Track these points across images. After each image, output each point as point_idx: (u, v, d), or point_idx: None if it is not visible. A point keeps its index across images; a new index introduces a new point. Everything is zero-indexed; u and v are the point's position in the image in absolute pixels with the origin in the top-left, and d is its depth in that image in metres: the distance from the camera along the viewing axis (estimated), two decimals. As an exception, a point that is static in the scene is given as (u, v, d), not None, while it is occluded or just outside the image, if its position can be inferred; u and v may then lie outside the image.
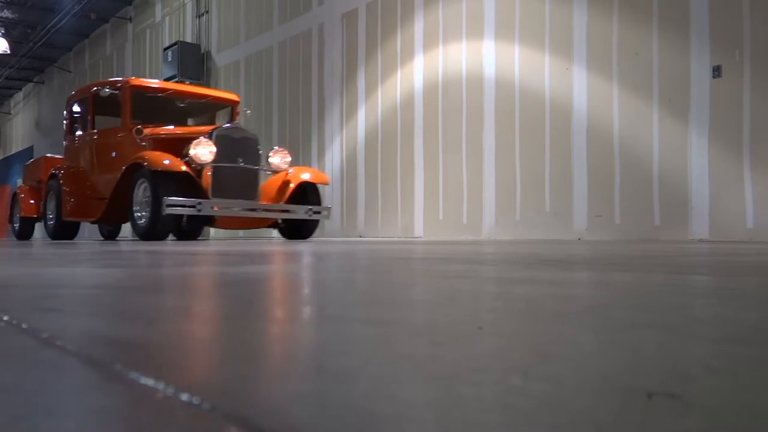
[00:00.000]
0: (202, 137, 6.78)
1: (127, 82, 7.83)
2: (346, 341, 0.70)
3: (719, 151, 5.95)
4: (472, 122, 8.17)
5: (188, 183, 6.65)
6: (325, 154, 10.44)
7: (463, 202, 8.18)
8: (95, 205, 7.93)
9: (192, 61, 13.21)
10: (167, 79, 12.35)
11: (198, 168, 6.73)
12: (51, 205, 8.54)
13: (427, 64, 8.79)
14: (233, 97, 8.75)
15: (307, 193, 7.39)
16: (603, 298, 1.13)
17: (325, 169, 10.13)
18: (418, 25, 8.93)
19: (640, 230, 6.45)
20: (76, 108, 8.67)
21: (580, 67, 7.06)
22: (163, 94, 8.06)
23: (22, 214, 9.56)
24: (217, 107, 8.72)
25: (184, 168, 6.58)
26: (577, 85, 7.10)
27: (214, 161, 6.76)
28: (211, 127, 7.13)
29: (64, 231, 8.42)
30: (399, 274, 1.74)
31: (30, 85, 23.26)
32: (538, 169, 7.42)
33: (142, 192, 6.73)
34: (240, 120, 8.44)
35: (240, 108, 8.71)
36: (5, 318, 0.84)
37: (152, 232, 6.55)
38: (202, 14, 13.63)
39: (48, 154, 10.12)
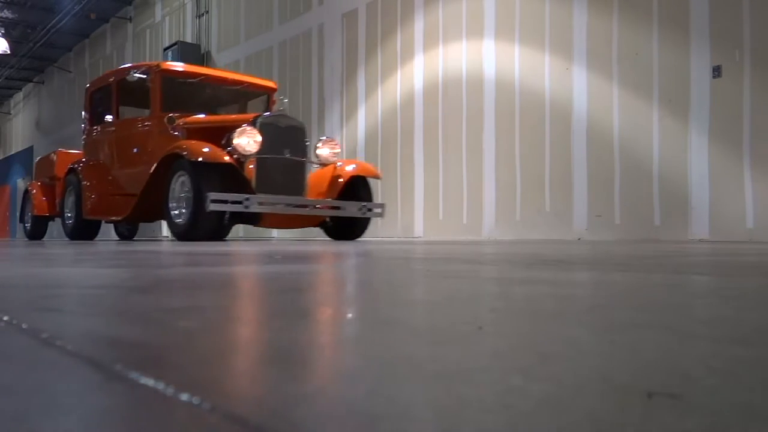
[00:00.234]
0: (245, 125, 6.08)
1: (157, 66, 7.13)
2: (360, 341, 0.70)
3: (719, 151, 5.95)
4: (472, 122, 8.17)
5: (232, 176, 5.96)
6: (325, 154, 10.44)
7: (463, 202, 8.18)
8: (120, 202, 7.26)
9: (192, 61, 13.18)
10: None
11: (241, 160, 6.04)
12: (69, 203, 7.93)
13: (427, 64, 8.79)
14: (270, 84, 8.03)
15: (358, 189, 6.66)
16: (603, 298, 1.13)
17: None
18: (418, 25, 8.93)
19: (640, 230, 6.45)
20: (97, 97, 8.02)
21: (580, 67, 7.06)
22: (195, 80, 7.29)
23: (35, 212, 9.09)
24: (251, 95, 7.90)
25: (227, 158, 5.88)
26: (577, 85, 7.10)
27: (258, 152, 6.06)
28: (253, 115, 6.42)
29: (84, 230, 7.79)
30: (406, 275, 1.73)
31: (30, 85, 23.26)
32: (538, 169, 7.42)
33: (179, 186, 6.06)
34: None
35: (276, 96, 7.88)
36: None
37: (193, 230, 5.86)
38: (202, 14, 13.63)
39: (61, 149, 9.57)
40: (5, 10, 16.67)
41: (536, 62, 7.49)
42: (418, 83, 8.89)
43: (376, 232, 9.47)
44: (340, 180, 6.56)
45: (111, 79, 7.61)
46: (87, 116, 8.14)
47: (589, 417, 0.40)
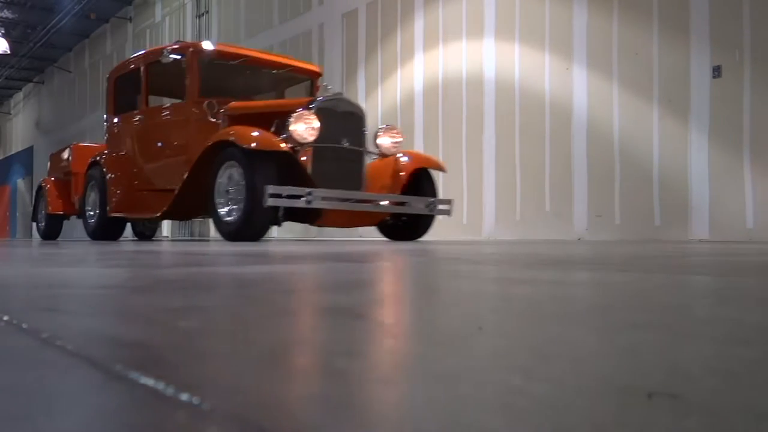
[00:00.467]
0: (301, 110, 5.36)
1: (196, 45, 6.40)
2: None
3: (719, 151, 5.95)
4: (472, 122, 8.17)
5: (288, 168, 5.23)
6: (325, 154, 10.43)
7: (463, 202, 8.18)
8: (151, 198, 6.63)
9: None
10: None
11: (296, 149, 5.30)
12: (91, 200, 7.28)
13: (427, 64, 8.79)
14: (315, 68, 7.27)
15: (422, 183, 5.99)
16: (604, 298, 1.13)
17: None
18: (418, 25, 8.93)
19: (640, 230, 6.45)
20: (121, 84, 7.30)
21: (580, 67, 7.07)
22: (235, 63, 6.51)
23: (49, 210, 8.52)
24: (292, 81, 7.11)
25: (284, 146, 5.14)
26: (577, 85, 7.10)
27: (314, 141, 5.35)
28: (306, 99, 5.75)
29: (108, 229, 7.15)
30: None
31: (30, 85, 23.27)
32: (538, 169, 7.42)
33: (226, 180, 5.36)
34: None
35: (320, 82, 7.08)
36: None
37: (246, 229, 5.15)
38: (202, 14, 13.63)
39: (76, 142, 9.07)
40: (5, 10, 16.68)
41: (536, 62, 7.50)
42: (418, 83, 8.89)
43: (376, 233, 9.45)
44: (402, 174, 5.87)
45: (139, 64, 6.95)
46: (110, 105, 7.49)
47: (589, 417, 0.40)
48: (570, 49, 7.18)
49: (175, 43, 6.45)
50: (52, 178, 8.81)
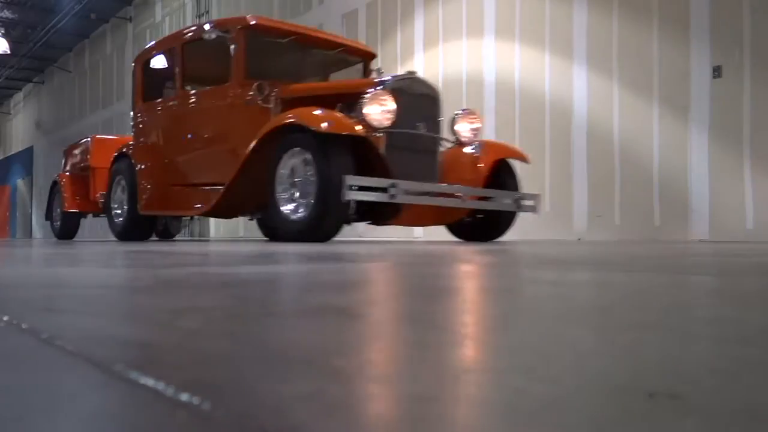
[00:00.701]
0: (374, 89, 4.65)
1: (244, 20, 5.55)
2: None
3: (719, 151, 5.95)
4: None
5: (365, 156, 4.49)
6: (325, 154, 10.42)
7: (463, 202, 8.15)
8: (191, 193, 5.94)
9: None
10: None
11: (370, 135, 4.52)
12: (118, 196, 6.58)
13: (426, 64, 8.79)
14: (369, 49, 6.48)
15: (503, 176, 5.33)
16: (604, 298, 1.13)
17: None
18: (418, 25, 8.93)
19: (640, 231, 6.45)
20: (151, 68, 6.54)
21: (580, 66, 7.07)
22: (286, 41, 5.71)
23: (65, 208, 7.93)
24: (344, 63, 6.31)
25: (360, 128, 4.40)
26: (577, 85, 7.10)
27: (390, 126, 4.64)
28: (375, 79, 4.95)
29: (136, 229, 6.46)
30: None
31: (30, 85, 23.28)
32: (538, 169, 7.42)
33: (288, 171, 4.64)
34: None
35: (373, 65, 6.22)
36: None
37: (319, 228, 4.43)
38: (202, 14, 13.64)
39: (95, 134, 8.42)
40: (5, 10, 16.69)
41: (536, 62, 7.50)
42: (418, 83, 8.88)
43: (376, 233, 9.46)
44: (482, 165, 5.19)
45: (172, 44, 6.23)
46: (137, 92, 6.73)
47: (590, 417, 0.40)
48: (570, 48, 7.18)
49: (208, 22, 5.79)
50: (68, 175, 8.22)
